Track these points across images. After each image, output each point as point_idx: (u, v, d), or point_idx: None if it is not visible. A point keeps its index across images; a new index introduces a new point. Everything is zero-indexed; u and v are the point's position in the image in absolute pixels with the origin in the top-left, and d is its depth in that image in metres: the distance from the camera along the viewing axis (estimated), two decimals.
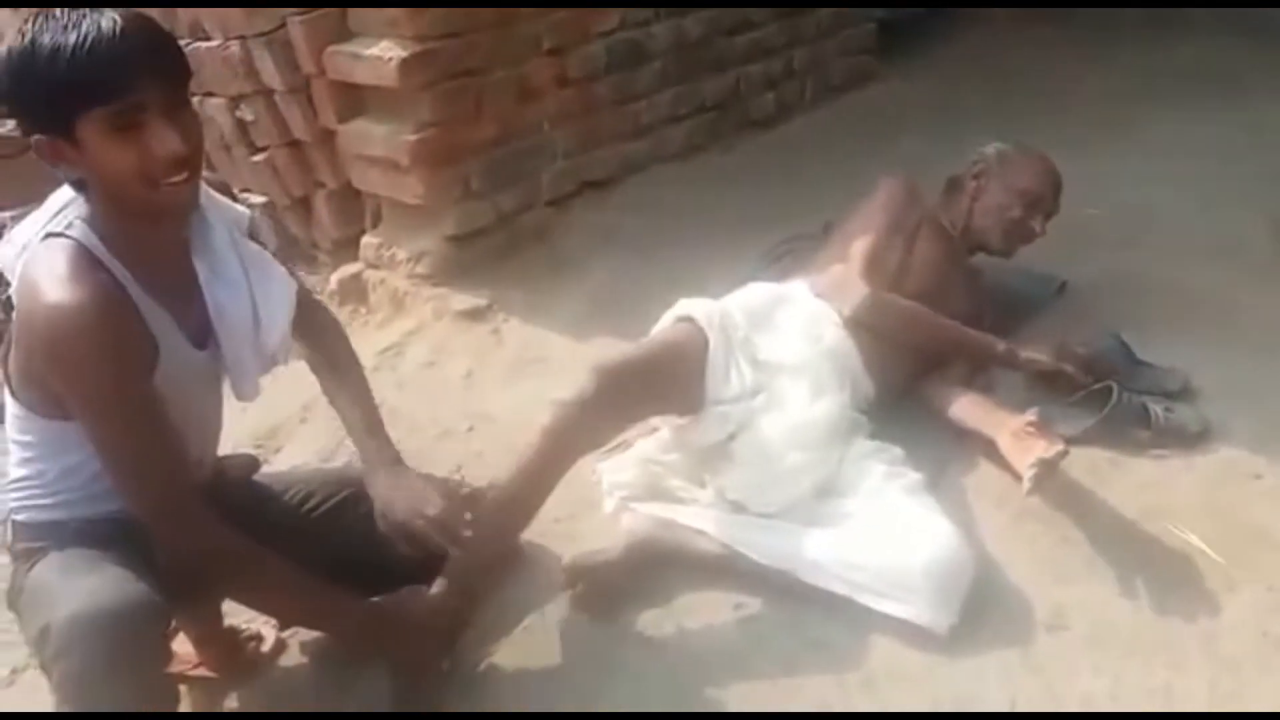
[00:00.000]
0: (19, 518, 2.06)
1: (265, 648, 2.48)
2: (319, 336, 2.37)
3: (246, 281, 2.09)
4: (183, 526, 1.93)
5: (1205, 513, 2.49)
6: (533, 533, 2.51)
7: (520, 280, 3.69)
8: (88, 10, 1.78)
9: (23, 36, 1.78)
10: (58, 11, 1.78)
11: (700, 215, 4.00)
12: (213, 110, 4.00)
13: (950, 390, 2.79)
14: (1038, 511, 2.52)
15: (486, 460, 2.89)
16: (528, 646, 2.38)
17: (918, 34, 5.86)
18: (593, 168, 4.19)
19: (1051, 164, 3.07)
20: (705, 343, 2.58)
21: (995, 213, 3.02)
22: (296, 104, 3.83)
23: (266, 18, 3.72)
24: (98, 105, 1.76)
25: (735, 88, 4.72)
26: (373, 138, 3.73)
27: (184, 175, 1.85)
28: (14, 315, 1.93)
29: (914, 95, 5.21)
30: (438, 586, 2.30)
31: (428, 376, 3.39)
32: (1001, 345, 2.82)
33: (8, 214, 4.52)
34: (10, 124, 5.17)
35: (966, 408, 2.73)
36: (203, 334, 2.07)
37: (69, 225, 1.89)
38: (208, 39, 3.94)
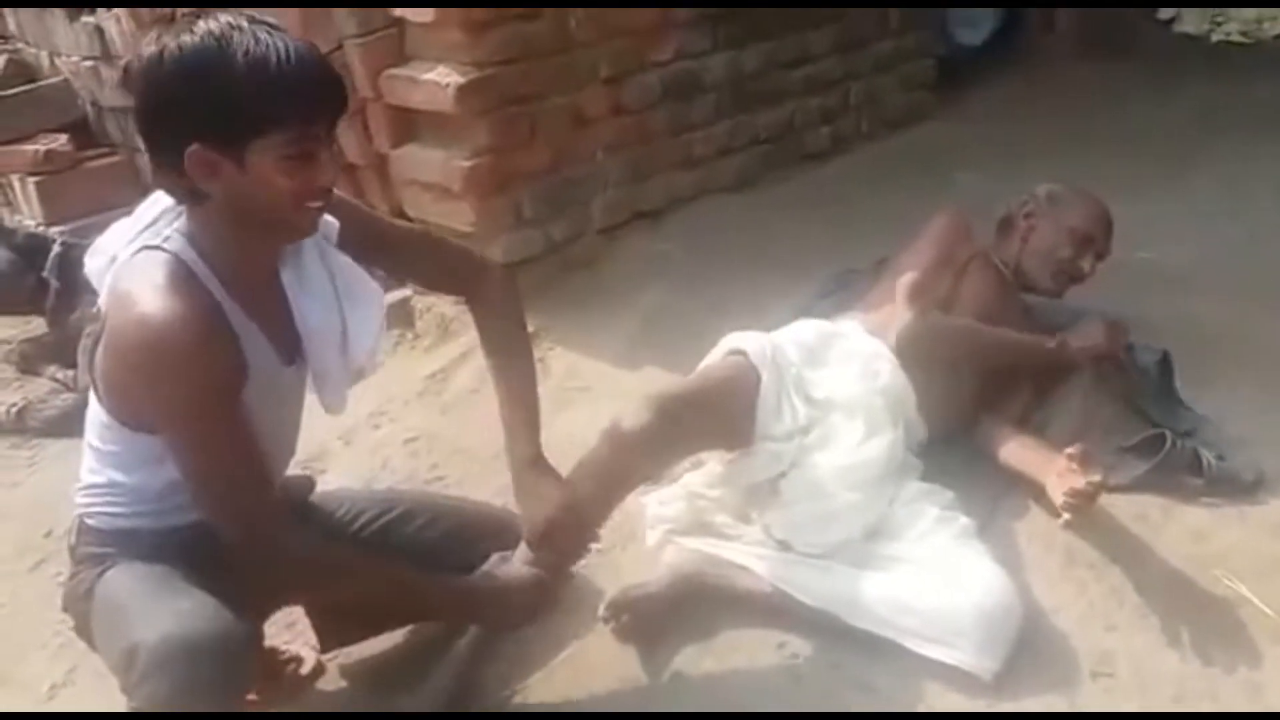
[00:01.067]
0: (90, 521, 2.06)
1: (305, 669, 2.47)
2: (485, 315, 2.35)
3: (335, 294, 2.08)
4: (271, 541, 1.92)
5: (1256, 563, 2.45)
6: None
7: (568, 308, 3.68)
8: (269, 29, 1.77)
9: (204, 38, 1.74)
10: (243, 22, 1.76)
11: (752, 248, 3.98)
12: None
13: (1001, 432, 2.76)
14: (1087, 558, 2.49)
15: None
16: (567, 677, 2.38)
17: (977, 71, 5.82)
18: (645, 198, 4.18)
19: (1103, 205, 3.04)
20: (757, 377, 2.55)
21: (1045, 252, 2.99)
22: (351, 127, 3.83)
23: (323, 39, 3.73)
24: (283, 130, 1.77)
25: (790, 121, 4.69)
26: (426, 163, 3.73)
27: (323, 202, 1.90)
28: (105, 324, 1.92)
29: (971, 132, 5.16)
30: (519, 555, 2.31)
31: (472, 403, 3.37)
32: (1052, 342, 2.81)
33: (59, 228, 4.64)
34: (62, 138, 5.22)
35: (1016, 451, 2.70)
36: (291, 349, 2.05)
37: (166, 239, 1.87)
38: None
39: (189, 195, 1.85)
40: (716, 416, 2.51)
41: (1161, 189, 4.19)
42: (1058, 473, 2.47)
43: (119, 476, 2.02)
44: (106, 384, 1.95)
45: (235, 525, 1.90)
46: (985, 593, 2.27)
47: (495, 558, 2.31)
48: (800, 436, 2.55)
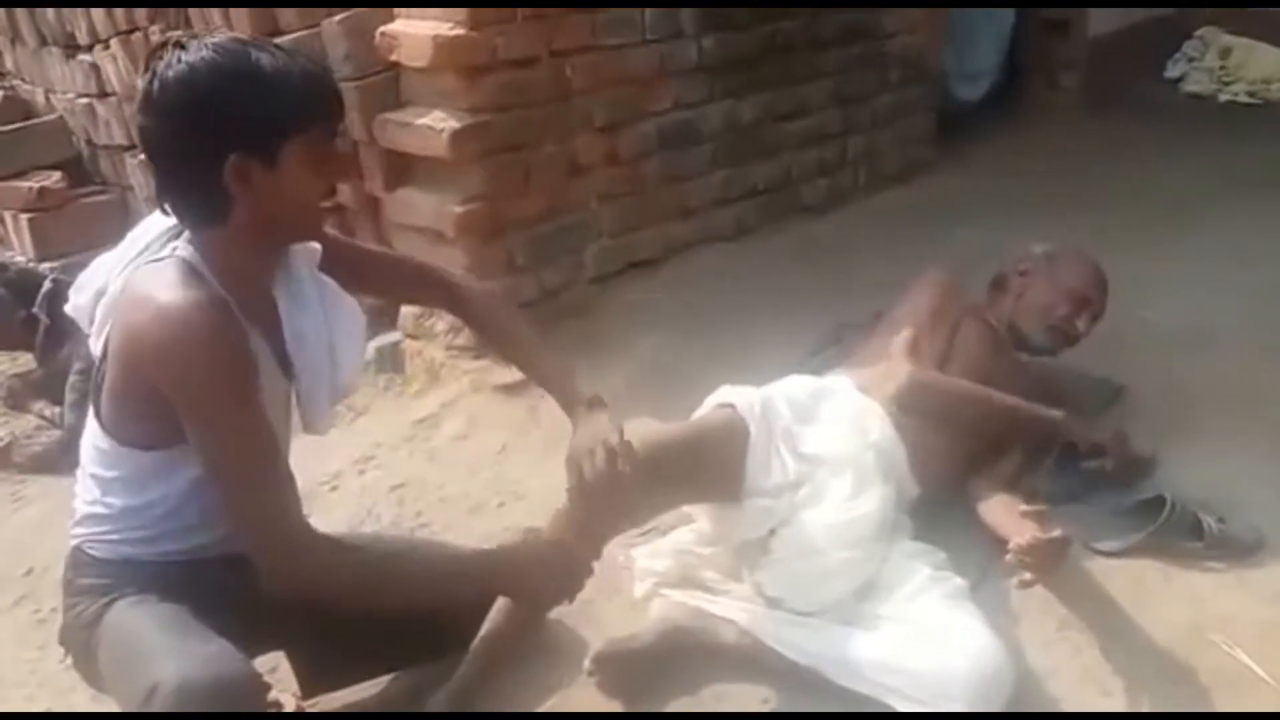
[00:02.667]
0: (92, 551, 2.05)
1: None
2: (471, 304, 2.40)
3: (323, 312, 2.10)
4: (304, 536, 1.93)
5: (1255, 629, 2.41)
6: (556, 613, 2.46)
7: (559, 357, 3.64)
8: (274, 45, 1.87)
9: (225, 54, 1.80)
10: (255, 40, 1.87)
11: (746, 299, 3.96)
12: None
13: (988, 492, 2.72)
14: (1082, 621, 2.46)
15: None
16: None
17: (977, 126, 5.84)
18: (639, 247, 4.16)
19: (1098, 266, 3.04)
20: (746, 430, 2.53)
21: (1040, 310, 2.99)
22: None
23: None
24: (312, 130, 1.86)
25: (787, 173, 4.69)
26: (419, 207, 3.72)
27: (332, 201, 2.00)
28: (112, 338, 1.92)
29: (971, 187, 5.16)
30: (552, 524, 2.33)
31: (461, 449, 3.35)
32: (1058, 412, 2.79)
33: (50, 265, 4.64)
34: (56, 175, 5.31)
35: (994, 509, 2.66)
36: (285, 364, 2.07)
37: (173, 251, 1.91)
38: None
39: (211, 213, 1.88)
40: (704, 466, 2.49)
41: (1165, 248, 4.17)
42: (1017, 532, 2.45)
43: (122, 502, 2.01)
44: (115, 400, 1.95)
45: (266, 522, 1.89)
46: (977, 655, 2.23)
47: (525, 530, 2.36)
48: (790, 493, 2.52)
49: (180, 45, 1.80)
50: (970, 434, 2.77)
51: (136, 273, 1.91)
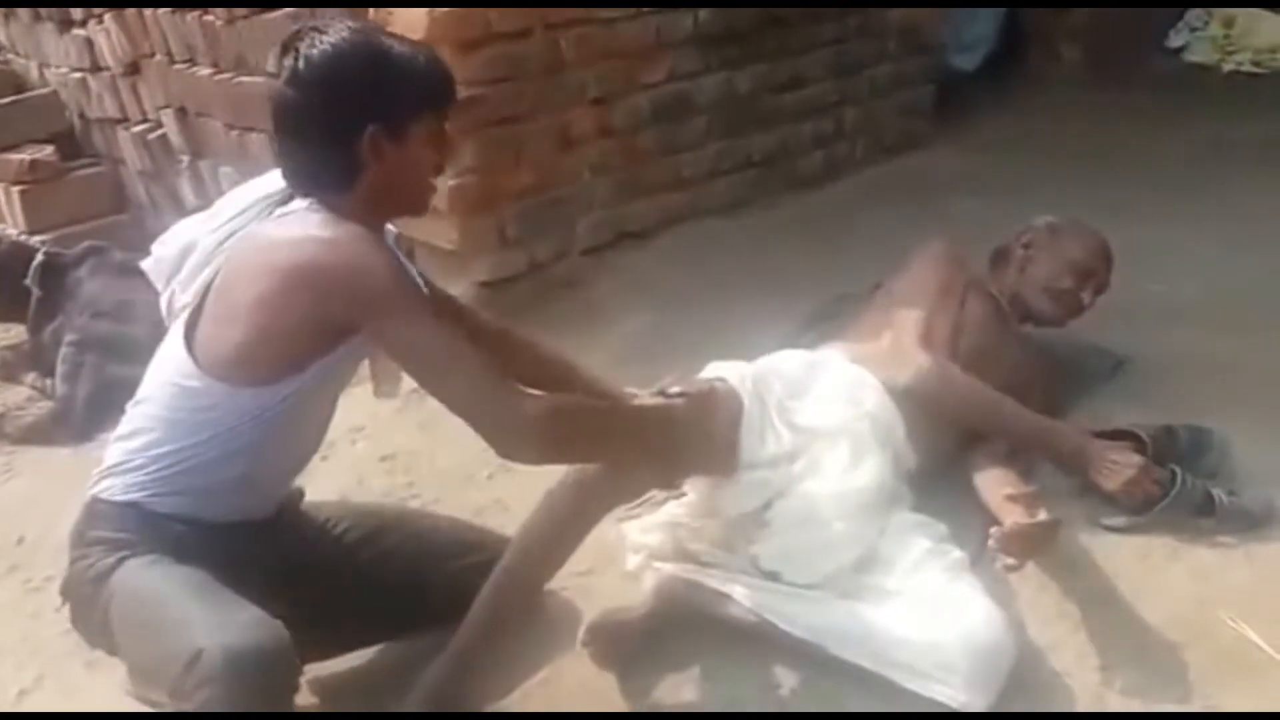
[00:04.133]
0: (115, 497, 2.08)
1: None
2: (505, 356, 2.41)
3: None
4: (521, 404, 2.02)
5: (1261, 605, 2.40)
6: (553, 585, 2.48)
7: (550, 328, 3.55)
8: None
9: (359, 36, 2.00)
10: (377, 28, 2.13)
11: (739, 271, 3.96)
12: (255, 146, 4.00)
13: (985, 464, 2.68)
14: (1084, 595, 2.45)
15: (506, 507, 2.85)
16: (541, 700, 2.35)
17: (976, 98, 5.82)
18: (631, 219, 4.16)
19: (1103, 238, 3.02)
20: (740, 403, 2.50)
21: (1044, 282, 2.96)
22: None
23: None
24: (433, 111, 2.05)
25: (782, 145, 4.67)
26: None
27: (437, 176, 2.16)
28: (235, 274, 2.03)
29: (968, 159, 5.14)
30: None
31: (452, 421, 3.28)
32: (1076, 438, 2.69)
33: (42, 238, 4.65)
34: (48, 149, 5.32)
35: (987, 484, 2.63)
36: None
37: (306, 207, 2.04)
38: (251, 74, 3.98)
39: (341, 180, 2.02)
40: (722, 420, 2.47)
41: (1169, 219, 4.15)
42: (1005, 515, 2.44)
43: (174, 445, 2.06)
44: (245, 330, 2.00)
45: (489, 396, 2.00)
46: (977, 628, 2.22)
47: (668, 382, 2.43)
48: (786, 464, 2.50)
49: (317, 29, 1.98)
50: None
51: (267, 224, 2.06)
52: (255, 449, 2.07)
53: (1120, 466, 2.59)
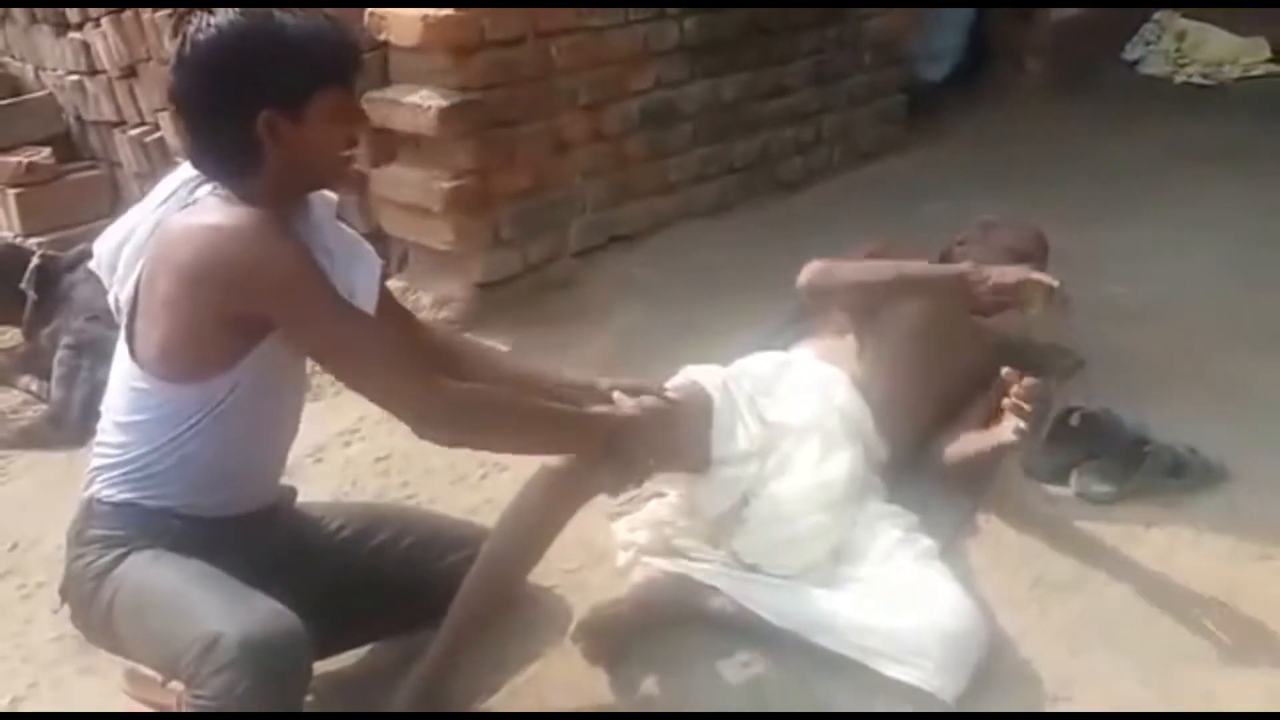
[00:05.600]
0: (111, 496, 2.06)
1: None
2: (443, 361, 2.39)
3: (344, 259, 2.13)
4: (433, 390, 2.03)
5: (1221, 591, 2.47)
6: (541, 580, 2.52)
7: (542, 329, 3.70)
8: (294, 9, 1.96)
9: (251, 16, 1.90)
10: (276, 5, 1.94)
11: (725, 273, 4.02)
12: None
13: (953, 441, 2.77)
14: (1052, 581, 2.52)
15: (498, 506, 2.77)
16: (530, 695, 2.37)
17: (946, 106, 5.92)
18: (621, 222, 4.23)
19: (1037, 228, 3.12)
20: (710, 401, 2.57)
21: None
22: None
23: None
24: (334, 85, 1.97)
25: (765, 150, 4.76)
26: (407, 183, 3.77)
27: (354, 153, 2.09)
28: (157, 264, 1.98)
29: (940, 164, 5.24)
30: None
31: None
32: (960, 266, 2.85)
33: (38, 240, 4.62)
34: (45, 151, 5.23)
35: (962, 442, 2.72)
36: None
37: (210, 192, 2.00)
38: None
39: (243, 165, 1.97)
40: (670, 434, 2.48)
41: (1124, 220, 4.28)
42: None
43: (148, 445, 2.04)
44: (165, 333, 1.98)
45: (399, 382, 2.01)
46: (949, 614, 2.29)
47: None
48: (759, 461, 2.56)
49: (209, 10, 1.90)
50: (935, 392, 2.82)
51: (175, 214, 2.00)
52: (222, 442, 2.04)
53: (1006, 273, 2.75)
